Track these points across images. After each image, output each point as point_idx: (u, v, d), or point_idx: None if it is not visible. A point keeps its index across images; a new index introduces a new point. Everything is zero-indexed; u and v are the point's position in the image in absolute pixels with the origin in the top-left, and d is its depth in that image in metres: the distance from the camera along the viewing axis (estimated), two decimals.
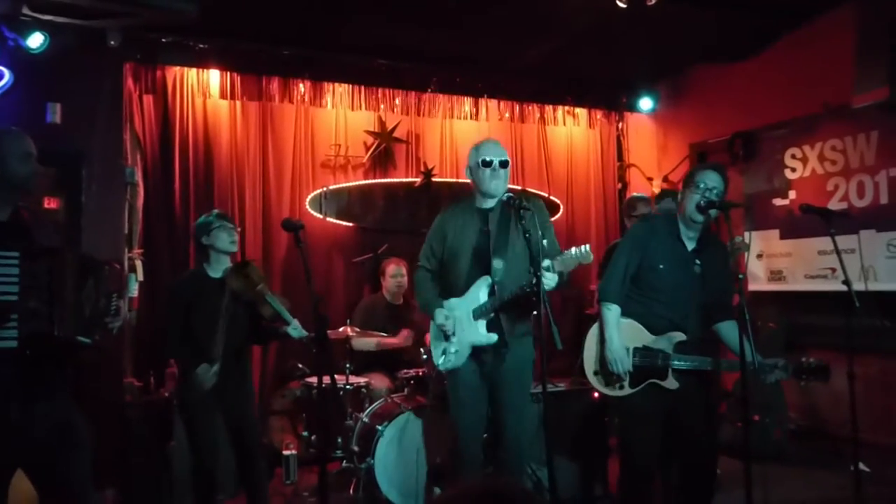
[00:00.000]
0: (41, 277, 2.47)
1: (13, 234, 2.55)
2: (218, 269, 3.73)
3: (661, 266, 3.22)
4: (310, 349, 5.12)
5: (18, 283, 2.42)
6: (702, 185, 3.18)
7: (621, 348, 3.17)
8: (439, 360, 3.45)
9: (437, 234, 3.52)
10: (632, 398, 3.21)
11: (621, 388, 3.22)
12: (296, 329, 3.71)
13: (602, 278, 3.37)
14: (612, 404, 3.35)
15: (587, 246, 3.09)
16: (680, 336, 3.18)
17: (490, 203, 3.41)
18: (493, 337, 3.29)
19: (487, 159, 3.35)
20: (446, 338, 3.42)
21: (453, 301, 3.41)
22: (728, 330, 3.25)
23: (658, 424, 3.27)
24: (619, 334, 3.18)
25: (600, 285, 3.34)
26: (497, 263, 3.30)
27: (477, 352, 3.36)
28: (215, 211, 3.98)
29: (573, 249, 3.12)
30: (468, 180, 3.52)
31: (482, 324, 3.31)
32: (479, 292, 3.33)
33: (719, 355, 3.30)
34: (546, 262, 2.99)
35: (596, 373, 3.27)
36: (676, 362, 3.17)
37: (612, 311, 3.22)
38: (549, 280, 3.01)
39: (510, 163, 3.40)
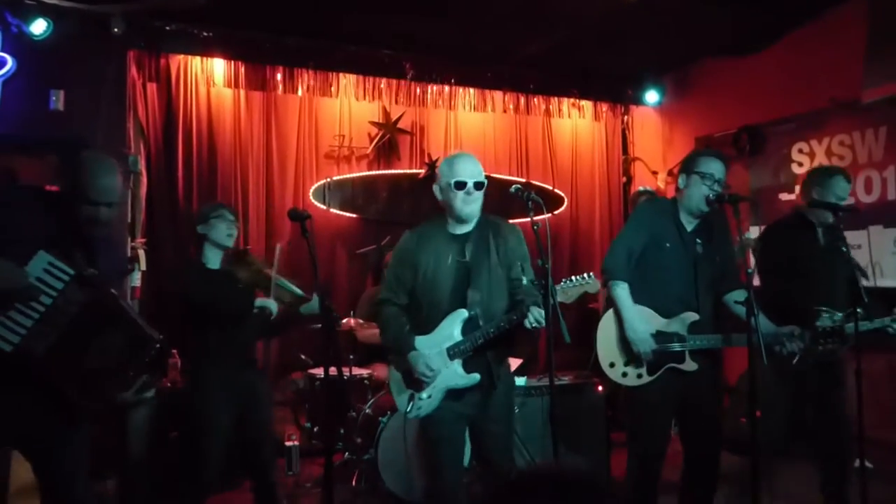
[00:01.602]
0: (71, 307, 2.42)
1: (81, 242, 2.51)
2: (215, 260, 3.50)
3: (668, 245, 3.19)
4: (314, 340, 5.12)
5: (53, 299, 2.39)
6: (708, 175, 3.14)
7: (642, 328, 3.11)
8: (407, 409, 2.97)
9: (405, 264, 3.04)
10: (649, 386, 3.16)
11: (640, 377, 3.17)
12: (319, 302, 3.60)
13: (605, 257, 3.28)
14: (627, 394, 3.28)
15: (591, 274, 2.95)
16: (693, 316, 3.15)
17: (465, 228, 3.02)
18: (475, 377, 2.93)
19: (461, 180, 2.93)
20: (417, 385, 2.97)
21: (420, 340, 2.96)
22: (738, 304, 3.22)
23: (671, 412, 3.25)
24: (637, 314, 3.12)
25: (604, 265, 3.24)
26: (473, 295, 2.92)
27: (458, 397, 2.97)
28: (219, 202, 3.94)
29: (574, 278, 2.94)
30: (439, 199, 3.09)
31: (458, 364, 2.93)
32: (453, 328, 2.93)
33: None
34: (536, 312, 2.75)
35: (612, 364, 3.20)
36: (692, 342, 3.13)
37: (623, 289, 3.14)
38: (537, 315, 2.76)
39: (486, 184, 3.00)
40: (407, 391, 3.01)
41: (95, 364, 2.48)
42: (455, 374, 2.94)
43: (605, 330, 3.24)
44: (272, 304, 3.46)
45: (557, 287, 2.89)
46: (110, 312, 2.55)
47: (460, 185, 2.94)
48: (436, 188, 3.07)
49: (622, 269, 3.19)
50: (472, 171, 2.98)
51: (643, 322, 3.14)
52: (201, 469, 3.39)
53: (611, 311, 3.26)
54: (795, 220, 3.74)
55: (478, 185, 2.96)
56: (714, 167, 3.16)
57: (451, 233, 3.04)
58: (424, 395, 2.95)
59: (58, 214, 2.49)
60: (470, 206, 2.96)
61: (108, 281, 2.59)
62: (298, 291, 3.57)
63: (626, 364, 3.19)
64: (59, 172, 2.52)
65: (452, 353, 2.93)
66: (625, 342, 3.17)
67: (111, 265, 2.63)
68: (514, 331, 2.91)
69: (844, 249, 3.43)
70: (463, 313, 2.93)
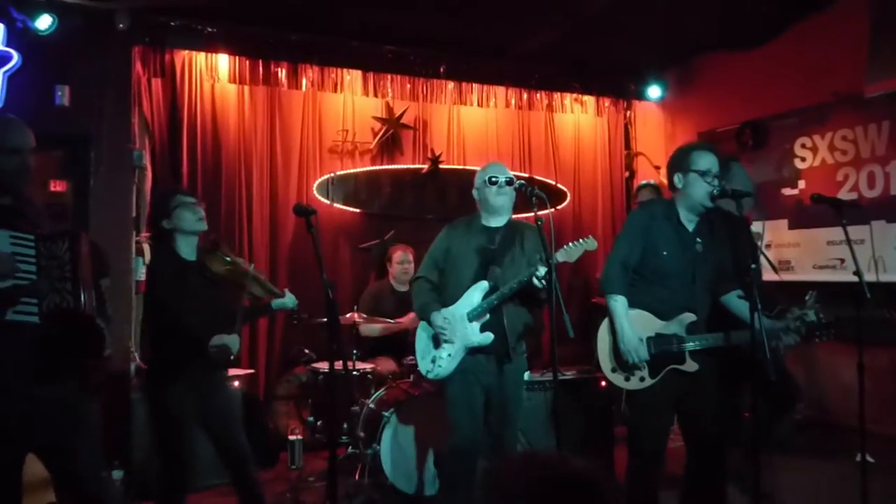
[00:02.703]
0: (62, 256, 2.48)
1: (23, 217, 2.56)
2: (189, 251, 3.36)
3: (665, 252, 3.18)
4: (318, 334, 5.14)
5: (36, 263, 2.43)
6: (707, 172, 3.13)
7: (634, 338, 3.12)
8: (428, 368, 3.44)
9: (440, 247, 3.58)
10: (651, 388, 3.17)
11: (642, 380, 3.17)
12: (291, 298, 3.50)
13: (603, 269, 3.31)
14: (627, 395, 3.28)
15: (590, 236, 3.30)
16: (691, 317, 3.15)
17: (497, 222, 3.51)
18: (489, 336, 3.33)
19: (494, 178, 3.44)
20: (437, 344, 3.44)
21: (447, 310, 3.44)
22: (736, 301, 3.23)
23: (671, 412, 3.27)
24: (630, 324, 3.15)
25: (601, 277, 3.29)
26: (494, 270, 3.39)
27: (476, 360, 3.39)
28: (173, 189, 3.87)
29: (574, 242, 3.28)
30: (475, 192, 3.57)
31: (476, 326, 3.36)
32: (474, 295, 3.39)
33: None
34: (541, 270, 3.11)
35: (614, 369, 3.22)
36: (691, 343, 3.14)
37: (618, 302, 3.17)
38: (540, 270, 3.15)
39: (514, 182, 3.45)
40: (429, 355, 3.46)
41: (110, 306, 2.65)
42: (471, 333, 3.35)
43: (604, 338, 3.26)
44: (233, 343, 3.23)
45: (560, 250, 3.26)
46: (96, 252, 2.65)
47: (493, 181, 3.43)
48: (474, 192, 3.56)
49: (618, 282, 3.20)
50: (502, 171, 3.49)
51: (635, 332, 3.14)
52: (173, 468, 3.27)
53: (608, 321, 3.26)
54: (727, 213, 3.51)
55: (508, 181, 3.43)
56: (710, 161, 3.16)
57: (484, 224, 3.52)
58: (444, 353, 3.40)
59: None
60: (502, 197, 3.44)
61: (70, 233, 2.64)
62: (271, 287, 3.51)
63: (626, 369, 3.21)
64: None
65: (471, 316, 3.36)
66: (618, 350, 3.18)
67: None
68: (528, 308, 3.37)
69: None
70: (484, 284, 3.38)
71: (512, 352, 3.37)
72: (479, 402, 3.41)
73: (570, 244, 3.29)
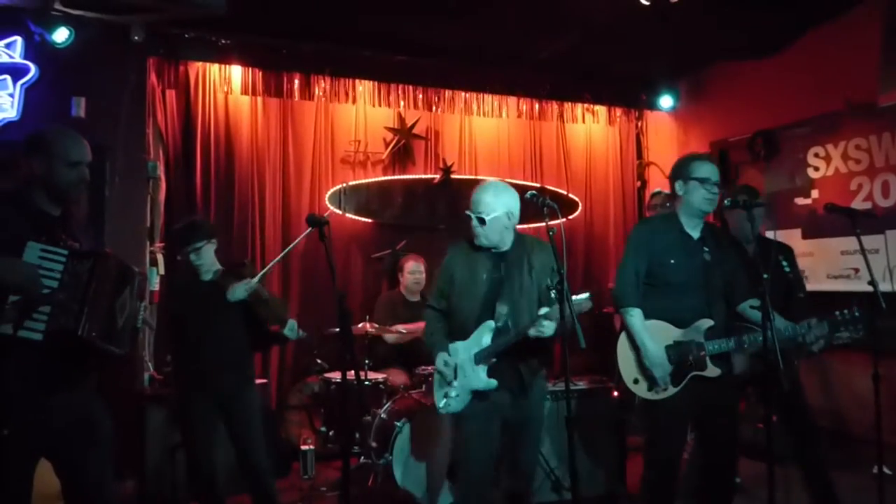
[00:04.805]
0: (81, 277, 2.50)
1: (64, 230, 2.60)
2: (207, 273, 3.65)
3: (672, 261, 3.20)
4: (330, 344, 5.16)
5: (59, 280, 2.45)
6: (706, 179, 3.19)
7: (658, 352, 3.13)
8: (440, 404, 3.30)
9: (445, 275, 3.34)
10: (674, 397, 3.17)
11: (665, 389, 3.17)
12: (291, 330, 3.64)
13: (614, 285, 3.32)
14: (645, 404, 3.27)
15: (587, 294, 2.91)
16: (708, 322, 3.15)
17: (503, 248, 3.24)
18: (493, 383, 3.11)
19: (468, 213, 3.19)
20: (447, 382, 3.29)
21: (458, 345, 3.24)
22: (750, 311, 3.26)
23: (690, 418, 3.27)
24: (651, 338, 3.15)
25: (614, 293, 3.31)
26: (501, 308, 3.13)
27: (489, 394, 3.15)
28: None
29: (574, 297, 2.87)
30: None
31: (482, 369, 3.13)
32: (483, 337, 3.14)
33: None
34: (544, 310, 2.91)
35: (636, 381, 3.21)
36: (711, 347, 3.14)
37: (635, 317, 3.18)
38: (547, 328, 2.92)
39: (487, 219, 3.13)
40: (442, 390, 3.29)
41: (123, 322, 2.66)
42: (478, 379, 3.14)
43: (623, 351, 3.26)
44: (235, 289, 3.47)
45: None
46: (120, 272, 2.67)
47: (475, 219, 3.17)
48: (468, 213, 3.26)
49: (631, 295, 3.22)
50: (474, 203, 3.18)
51: (658, 347, 3.15)
52: (191, 474, 3.55)
53: (626, 334, 3.27)
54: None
55: (480, 220, 3.14)
56: (710, 170, 3.23)
57: (491, 250, 3.23)
58: (453, 392, 3.22)
59: (27, 209, 2.55)
60: (480, 238, 3.18)
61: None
62: (281, 314, 3.67)
63: (653, 382, 3.20)
64: (29, 153, 2.58)
65: (478, 358, 3.14)
66: (642, 363, 3.19)
67: (88, 243, 2.73)
68: (545, 341, 3.01)
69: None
70: (491, 324, 3.13)
71: (528, 388, 3.18)
72: (497, 437, 3.20)
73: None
